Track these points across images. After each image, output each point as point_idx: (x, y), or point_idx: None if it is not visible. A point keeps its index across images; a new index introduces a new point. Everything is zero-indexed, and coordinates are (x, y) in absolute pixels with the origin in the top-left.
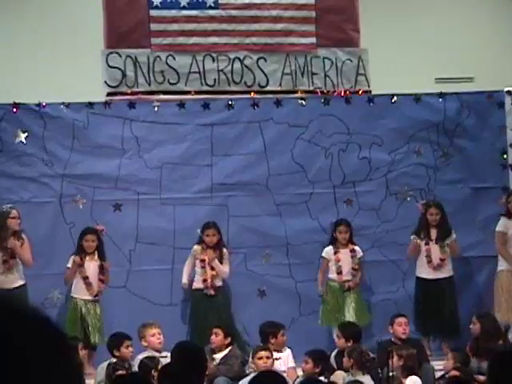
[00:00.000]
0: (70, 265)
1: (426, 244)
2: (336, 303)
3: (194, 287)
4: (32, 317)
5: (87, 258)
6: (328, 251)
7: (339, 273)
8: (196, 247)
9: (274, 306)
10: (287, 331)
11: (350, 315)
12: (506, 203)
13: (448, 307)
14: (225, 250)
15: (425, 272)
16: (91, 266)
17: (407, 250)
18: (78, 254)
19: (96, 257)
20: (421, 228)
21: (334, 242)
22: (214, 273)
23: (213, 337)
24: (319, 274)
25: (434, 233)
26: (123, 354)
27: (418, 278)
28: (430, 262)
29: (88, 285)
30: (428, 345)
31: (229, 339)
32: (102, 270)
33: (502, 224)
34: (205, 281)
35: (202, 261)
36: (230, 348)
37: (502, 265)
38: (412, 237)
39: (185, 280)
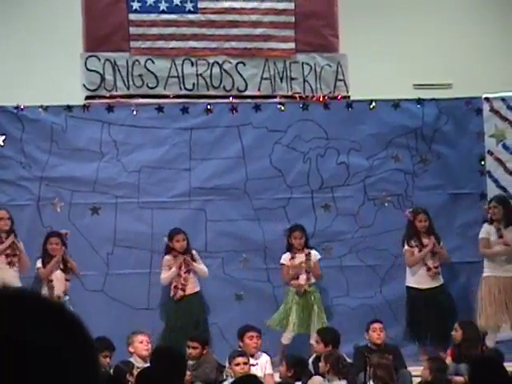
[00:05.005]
0: (39, 264)
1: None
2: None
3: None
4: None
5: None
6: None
7: None
8: (168, 257)
9: (251, 310)
10: (265, 336)
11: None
12: (487, 210)
13: (442, 315)
14: (194, 251)
15: (419, 281)
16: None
17: (406, 260)
18: (42, 258)
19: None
20: (411, 235)
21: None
22: (186, 278)
23: (191, 350)
24: None
25: (425, 240)
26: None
27: (409, 287)
28: (429, 269)
29: (50, 288)
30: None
31: (206, 349)
32: (65, 271)
33: (485, 231)
34: (176, 287)
35: (178, 268)
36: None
37: (486, 271)
38: (405, 248)
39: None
